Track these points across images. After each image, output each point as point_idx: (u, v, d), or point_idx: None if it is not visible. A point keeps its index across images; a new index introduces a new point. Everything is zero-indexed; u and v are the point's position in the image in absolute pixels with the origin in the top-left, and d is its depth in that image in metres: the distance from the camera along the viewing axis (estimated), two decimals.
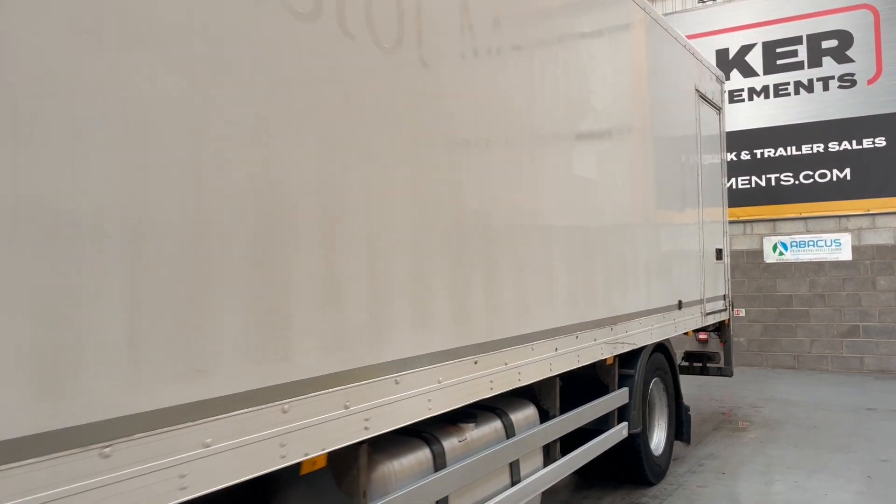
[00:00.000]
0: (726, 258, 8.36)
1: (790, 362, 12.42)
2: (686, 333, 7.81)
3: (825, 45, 12.31)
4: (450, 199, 3.33)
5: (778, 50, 12.63)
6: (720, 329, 8.53)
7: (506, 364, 3.77)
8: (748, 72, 12.84)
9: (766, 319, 12.60)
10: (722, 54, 12.99)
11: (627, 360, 5.80)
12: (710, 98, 7.93)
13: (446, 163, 3.32)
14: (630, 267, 5.54)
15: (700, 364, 8.61)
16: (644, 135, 5.86)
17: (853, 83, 12.13)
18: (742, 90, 12.86)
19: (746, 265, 12.75)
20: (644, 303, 5.80)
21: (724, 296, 8.21)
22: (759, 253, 12.69)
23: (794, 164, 12.43)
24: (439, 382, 3.20)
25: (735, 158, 12.79)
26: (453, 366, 3.31)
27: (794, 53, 12.53)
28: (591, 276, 4.85)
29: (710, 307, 7.61)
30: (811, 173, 12.31)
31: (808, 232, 12.34)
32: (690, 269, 7.04)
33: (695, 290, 7.15)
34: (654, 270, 6.04)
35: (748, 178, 12.75)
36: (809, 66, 12.41)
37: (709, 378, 11.00)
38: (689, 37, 12.45)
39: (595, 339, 4.89)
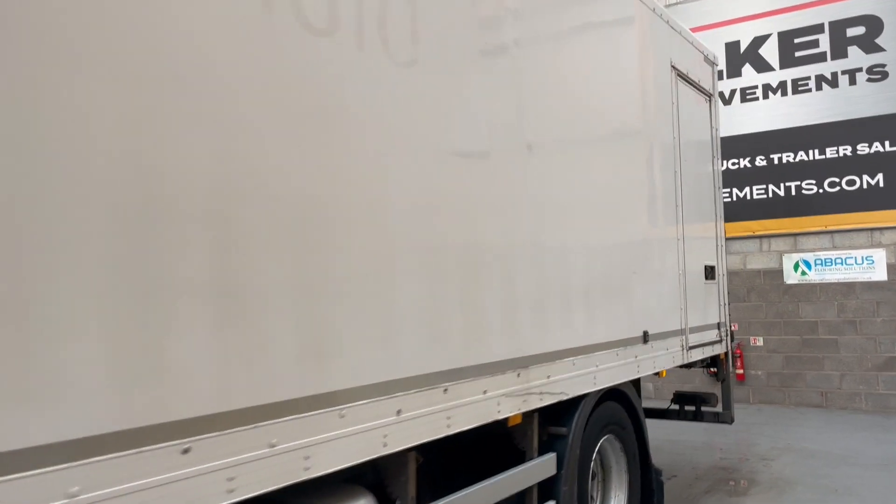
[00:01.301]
0: (721, 278, 6.79)
1: (816, 399, 10.68)
2: (688, 366, 6.33)
3: (851, 32, 10.70)
4: None
5: (796, 40, 11.04)
6: (715, 365, 6.94)
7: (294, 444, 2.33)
8: (762, 66, 11.26)
9: (787, 349, 10.89)
10: (732, 48, 11.44)
11: (560, 413, 4.29)
12: (696, 81, 6.43)
13: None
14: (555, 287, 4.06)
15: (693, 408, 7.00)
16: (578, 117, 4.39)
17: (884, 75, 10.48)
18: (755, 87, 11.28)
19: (764, 287, 11.09)
20: (582, 335, 4.31)
21: (719, 324, 6.64)
22: (779, 272, 11.02)
23: (817, 170, 10.78)
24: None
25: (749, 165, 11.19)
26: None
27: (815, 44, 10.92)
28: (475, 298, 3.39)
29: (695, 339, 6.05)
30: (837, 180, 10.65)
31: (835, 248, 10.65)
32: (664, 293, 5.51)
33: (671, 318, 5.61)
34: (600, 293, 4.54)
35: (764, 186, 11.12)
36: (833, 58, 10.80)
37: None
38: (695, 30, 10.97)
39: (486, 392, 3.41)
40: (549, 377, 3.94)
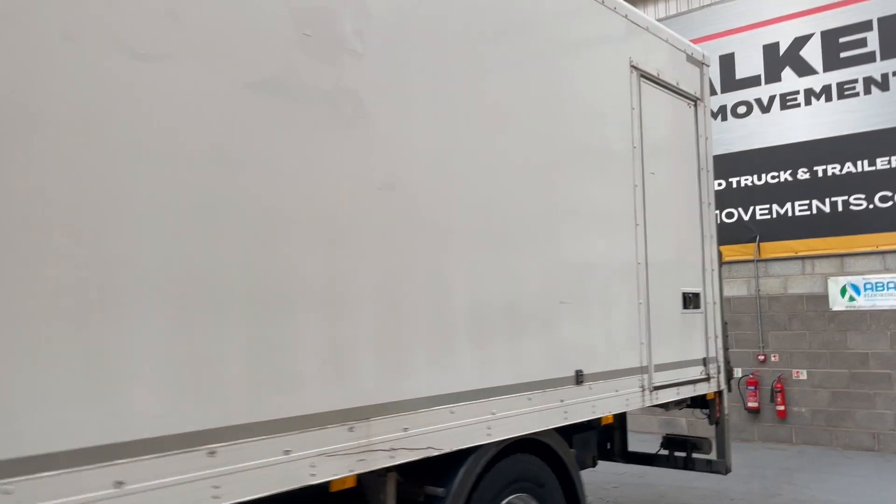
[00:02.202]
0: (711, 307, 5.94)
1: (867, 442, 9.48)
2: (663, 407, 5.59)
3: None
4: None
5: (841, 40, 9.96)
6: (707, 406, 6.08)
7: None
8: (804, 69, 10.22)
9: (834, 384, 9.74)
10: (771, 51, 10.44)
11: (444, 469, 3.65)
12: (672, 83, 5.66)
13: None
14: (420, 322, 3.44)
15: (683, 454, 6.15)
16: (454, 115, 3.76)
17: None
18: (797, 93, 10.24)
19: (807, 314, 9.97)
20: (469, 378, 3.65)
21: (706, 360, 5.79)
22: (824, 298, 9.89)
23: (866, 184, 9.65)
24: None
25: (790, 178, 10.14)
26: None
27: (863, 42, 9.82)
28: (270, 340, 2.81)
29: (665, 377, 5.25)
30: (889, 194, 9.50)
31: (887, 270, 9.47)
32: (612, 326, 4.77)
33: (624, 355, 4.86)
34: (501, 328, 3.89)
35: (807, 202, 10.04)
36: (883, 58, 9.67)
37: (744, 461, 8.44)
38: (729, 32, 10.13)
39: (288, 452, 2.83)
40: (405, 430, 3.31)
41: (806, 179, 10.06)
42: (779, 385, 9.95)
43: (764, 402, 10.08)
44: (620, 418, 6.20)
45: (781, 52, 10.35)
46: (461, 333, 3.65)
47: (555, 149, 4.40)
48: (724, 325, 6.33)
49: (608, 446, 6.24)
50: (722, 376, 6.02)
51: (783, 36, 10.32)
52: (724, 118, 10.69)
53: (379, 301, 3.24)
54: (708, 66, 6.24)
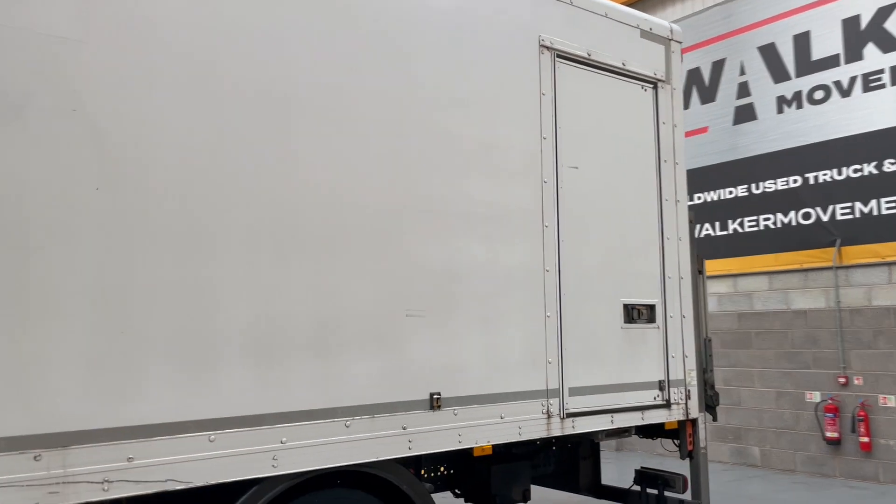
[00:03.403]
0: (677, 321, 5.09)
1: None
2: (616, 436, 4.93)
3: None
4: None
5: None
6: (678, 436, 5.22)
7: None
8: (889, 44, 8.77)
9: None
10: (850, 26, 9.05)
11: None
12: (613, 64, 4.92)
13: None
14: (159, 321, 3.07)
15: (656, 491, 5.31)
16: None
17: None
18: (881, 72, 8.79)
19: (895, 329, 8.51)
20: (241, 401, 3.25)
21: (663, 383, 4.95)
22: None
23: None
24: None
25: (875, 171, 8.73)
26: None
27: None
28: None
29: (588, 402, 4.53)
30: None
31: None
32: (497, 340, 4.15)
33: (519, 374, 4.24)
34: (299, 343, 3.44)
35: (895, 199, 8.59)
36: None
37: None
38: (802, 8, 8.99)
39: None
40: (129, 459, 2.95)
41: (893, 171, 8.62)
42: (862, 413, 8.55)
43: (845, 433, 8.70)
44: (592, 447, 5.48)
45: (863, 25, 8.96)
46: (229, 351, 3.24)
47: (403, 140, 3.88)
48: (707, 342, 5.42)
49: (575, 478, 5.50)
50: (693, 403, 5.12)
51: (864, 7, 8.93)
52: (800, 106, 9.40)
53: (92, 311, 2.92)
54: (679, 42, 5.39)
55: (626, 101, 4.99)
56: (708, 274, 9.92)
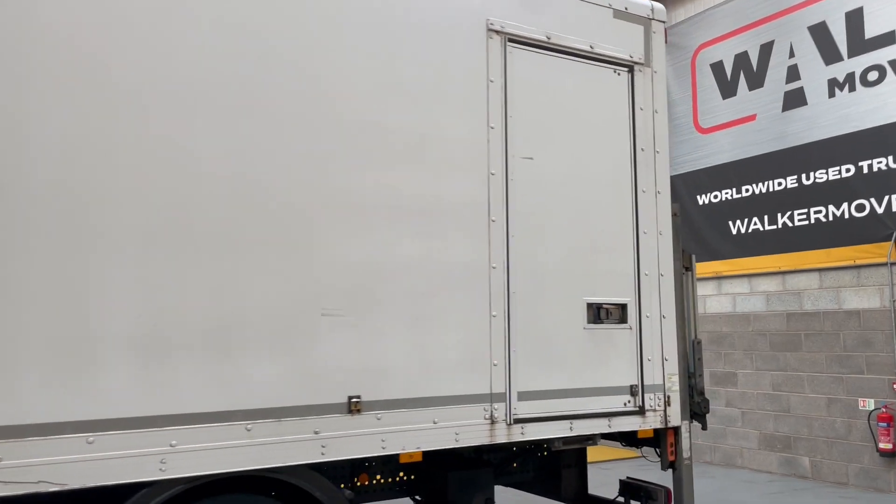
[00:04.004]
0: (654, 322, 4.74)
1: None
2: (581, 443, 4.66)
3: None
4: None
5: None
6: (657, 445, 4.86)
7: None
8: None
9: None
10: None
11: None
12: (579, 48, 4.61)
13: None
14: (25, 321, 3.03)
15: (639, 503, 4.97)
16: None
17: None
18: None
19: None
20: (120, 402, 3.19)
21: (635, 388, 4.61)
22: None
23: None
24: None
25: None
26: None
27: None
28: None
29: (542, 407, 4.26)
30: None
31: None
32: (430, 341, 3.95)
33: (457, 377, 4.01)
34: (187, 336, 3.34)
35: None
36: None
37: None
38: None
39: None
40: None
41: None
42: (886, 417, 7.83)
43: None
44: (578, 454, 5.18)
45: None
46: (111, 351, 3.17)
47: (320, 133, 3.73)
48: (696, 344, 5.02)
49: (557, 486, 5.22)
50: (674, 410, 4.75)
51: None
52: (853, 88, 8.67)
53: None
54: (661, 21, 5.00)
55: (594, 86, 4.67)
56: (755, 271, 9.38)
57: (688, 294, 5.04)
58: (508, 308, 4.19)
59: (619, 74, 4.77)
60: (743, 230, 9.67)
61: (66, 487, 3.04)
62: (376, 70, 3.91)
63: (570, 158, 4.51)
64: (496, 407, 4.10)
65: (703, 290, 10.03)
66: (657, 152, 4.86)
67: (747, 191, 9.68)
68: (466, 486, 4.51)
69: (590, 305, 4.48)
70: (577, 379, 4.40)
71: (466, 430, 4.01)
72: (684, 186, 10.39)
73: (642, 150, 4.79)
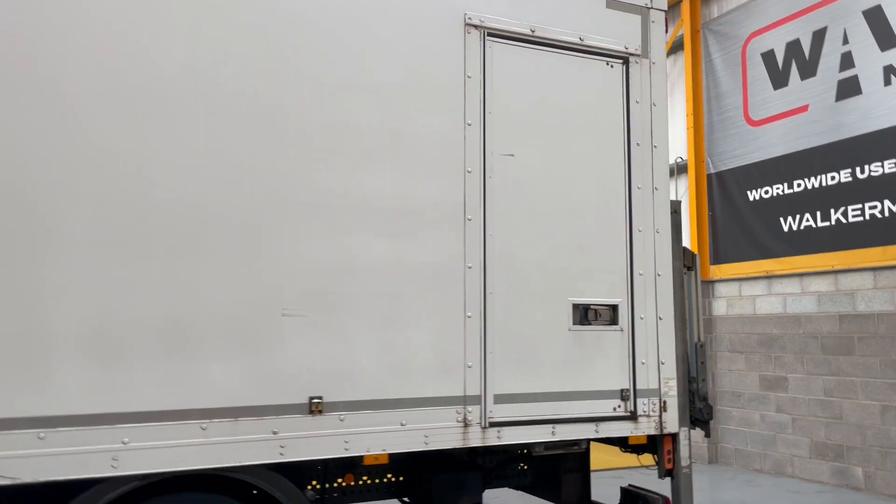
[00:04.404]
0: (652, 323, 4.56)
1: None
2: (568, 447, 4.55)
3: None
4: None
5: None
6: (653, 451, 4.67)
7: None
8: None
9: None
10: None
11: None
12: (567, 40, 4.47)
13: None
14: None
15: None
16: None
17: None
18: None
19: None
20: (70, 399, 3.25)
21: (626, 392, 4.44)
22: None
23: None
24: None
25: None
26: None
27: None
28: None
29: (522, 411, 4.15)
30: None
31: None
32: (399, 342, 3.90)
33: (428, 379, 3.95)
34: (141, 337, 3.39)
35: None
36: None
37: None
38: None
39: None
40: None
41: None
42: None
43: None
44: (580, 459, 5.04)
45: None
46: (63, 350, 3.24)
47: (282, 133, 3.72)
48: (699, 347, 4.80)
49: (557, 492, 5.09)
50: (671, 415, 4.55)
51: None
52: None
53: None
54: (661, 10, 4.79)
55: (584, 80, 4.51)
56: (807, 270, 8.91)
57: (690, 295, 4.82)
58: (485, 309, 4.09)
59: (611, 67, 4.59)
60: (794, 227, 9.21)
61: (18, 481, 3.13)
62: (347, 73, 3.88)
63: (556, 154, 4.37)
64: (470, 410, 4.02)
65: (752, 290, 9.63)
66: (655, 147, 4.66)
67: (799, 186, 9.22)
68: (452, 489, 4.44)
69: (576, 306, 4.34)
70: (561, 382, 4.26)
71: (437, 432, 3.94)
72: (734, 182, 9.98)
73: (637, 144, 4.60)
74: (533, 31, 4.37)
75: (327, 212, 3.77)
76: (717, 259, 10.17)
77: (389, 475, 4.59)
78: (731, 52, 10.15)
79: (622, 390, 4.42)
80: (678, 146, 10.87)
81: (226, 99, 3.62)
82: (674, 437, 4.59)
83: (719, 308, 10.10)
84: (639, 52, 4.67)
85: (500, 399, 4.10)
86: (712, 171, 10.33)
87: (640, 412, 4.45)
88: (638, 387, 4.46)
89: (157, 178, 3.45)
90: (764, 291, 9.53)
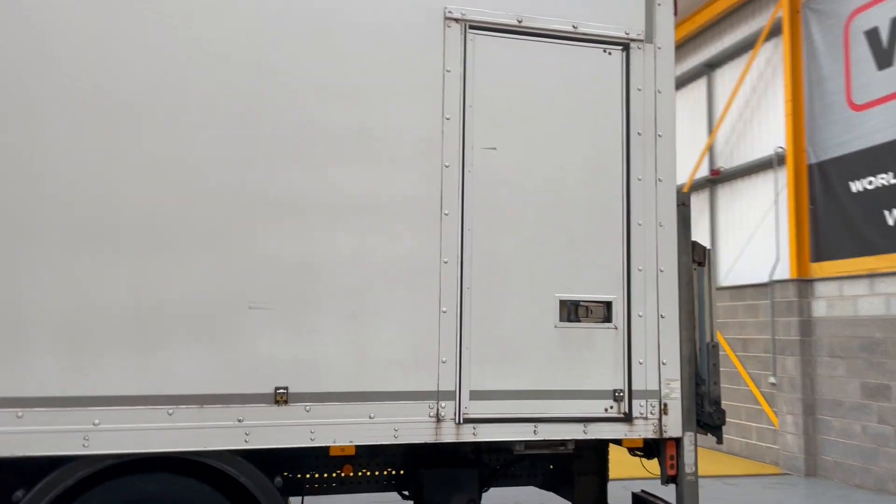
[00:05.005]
0: (653, 320, 4.36)
1: None
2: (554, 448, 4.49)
3: None
4: None
5: None
6: (656, 455, 4.46)
7: None
8: None
9: None
10: None
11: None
12: (559, 29, 4.35)
13: None
14: None
15: None
16: None
17: None
18: None
19: None
20: (46, 383, 3.54)
21: (620, 392, 4.26)
22: None
23: None
24: None
25: None
26: None
27: None
28: None
29: (500, 408, 4.09)
30: None
31: None
32: (368, 336, 3.95)
33: (399, 373, 3.98)
34: (111, 326, 3.65)
35: None
36: None
37: None
38: None
39: None
40: None
41: None
42: None
43: None
44: (597, 460, 4.91)
45: None
46: (38, 337, 3.53)
47: (251, 132, 3.87)
48: (711, 348, 4.52)
49: (570, 492, 4.97)
50: (673, 419, 4.31)
51: None
52: None
53: None
54: None
55: (577, 68, 4.37)
56: (884, 270, 8.10)
57: (702, 292, 4.54)
58: (461, 304, 4.06)
59: (609, 54, 4.42)
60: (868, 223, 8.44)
61: None
62: (319, 72, 3.97)
63: (544, 146, 4.27)
64: (443, 405, 4.00)
65: (853, 289, 8.88)
66: (659, 136, 4.44)
67: (883, 180, 8.42)
68: (445, 484, 4.43)
69: (563, 302, 4.21)
70: (545, 380, 4.15)
71: (408, 426, 3.95)
72: (835, 172, 9.23)
73: (638, 134, 4.40)
74: (520, 22, 4.28)
75: (294, 209, 3.88)
76: (818, 256, 9.45)
77: (389, 468, 4.64)
78: (832, 31, 9.40)
79: (615, 391, 4.24)
80: (778, 136, 10.20)
81: (195, 98, 3.80)
82: (677, 441, 4.34)
83: (819, 309, 9.38)
84: (641, 37, 4.46)
85: (477, 395, 4.05)
86: (813, 161, 9.61)
87: (636, 414, 4.25)
88: (634, 388, 4.27)
89: (126, 177, 3.69)
90: (866, 292, 8.76)
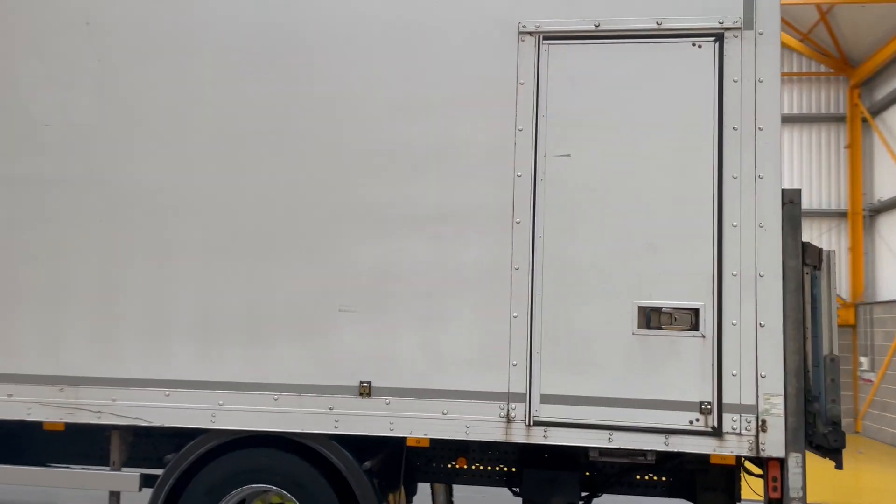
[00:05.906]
0: (750, 329, 4.04)
1: None
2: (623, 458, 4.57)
3: None
4: None
5: None
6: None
7: None
8: None
9: None
10: None
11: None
12: (640, 28, 4.24)
13: None
14: (134, 309, 4.52)
15: None
16: None
17: None
18: None
19: None
20: (185, 368, 4.45)
21: (708, 405, 4.03)
22: None
23: None
24: None
25: None
26: None
27: None
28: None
29: (574, 413, 4.15)
30: None
31: None
32: (443, 338, 4.27)
33: (472, 374, 4.23)
34: (232, 324, 4.43)
35: None
36: None
37: None
38: None
39: (11, 395, 4.58)
40: (113, 399, 4.49)
41: None
42: None
43: None
44: (727, 479, 4.66)
45: None
46: (179, 331, 4.45)
47: (340, 152, 4.39)
48: (830, 362, 4.03)
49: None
50: (774, 437, 3.92)
51: None
52: None
53: (91, 299, 4.53)
54: None
55: (662, 66, 4.19)
56: None
57: (818, 298, 4.06)
58: (531, 309, 4.17)
59: (699, 47, 4.18)
60: None
61: (153, 424, 4.42)
62: (396, 93, 4.38)
63: (622, 150, 4.18)
64: (514, 407, 4.15)
65: None
66: (759, 130, 4.08)
67: None
68: (545, 485, 4.55)
69: (642, 309, 4.10)
70: (621, 388, 4.08)
71: (478, 425, 4.18)
72: None
73: (734, 129, 4.10)
74: (598, 26, 4.26)
75: (377, 222, 4.32)
76: None
77: (501, 465, 4.87)
78: None
79: (702, 403, 4.01)
80: None
81: (299, 133, 4.44)
82: (781, 462, 3.96)
83: None
84: (739, 24, 4.14)
85: (548, 399, 4.13)
86: None
87: (726, 429, 3.98)
88: (725, 401, 3.99)
89: (246, 201, 4.45)
90: None
